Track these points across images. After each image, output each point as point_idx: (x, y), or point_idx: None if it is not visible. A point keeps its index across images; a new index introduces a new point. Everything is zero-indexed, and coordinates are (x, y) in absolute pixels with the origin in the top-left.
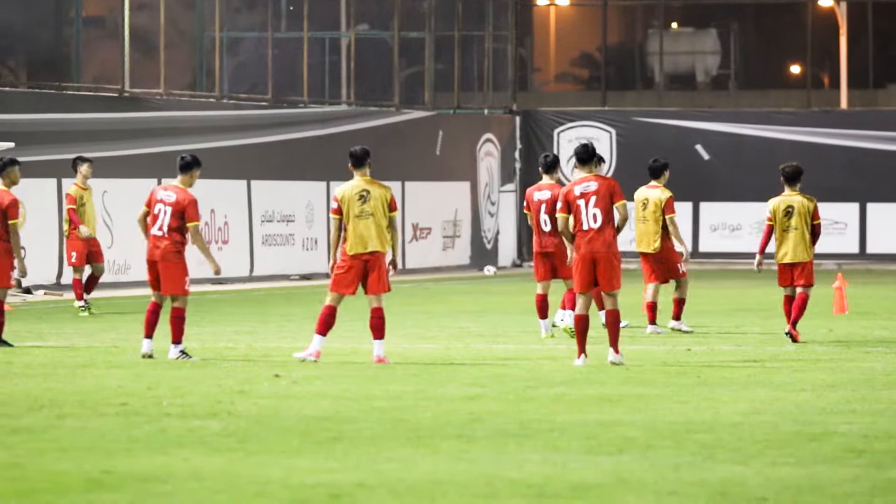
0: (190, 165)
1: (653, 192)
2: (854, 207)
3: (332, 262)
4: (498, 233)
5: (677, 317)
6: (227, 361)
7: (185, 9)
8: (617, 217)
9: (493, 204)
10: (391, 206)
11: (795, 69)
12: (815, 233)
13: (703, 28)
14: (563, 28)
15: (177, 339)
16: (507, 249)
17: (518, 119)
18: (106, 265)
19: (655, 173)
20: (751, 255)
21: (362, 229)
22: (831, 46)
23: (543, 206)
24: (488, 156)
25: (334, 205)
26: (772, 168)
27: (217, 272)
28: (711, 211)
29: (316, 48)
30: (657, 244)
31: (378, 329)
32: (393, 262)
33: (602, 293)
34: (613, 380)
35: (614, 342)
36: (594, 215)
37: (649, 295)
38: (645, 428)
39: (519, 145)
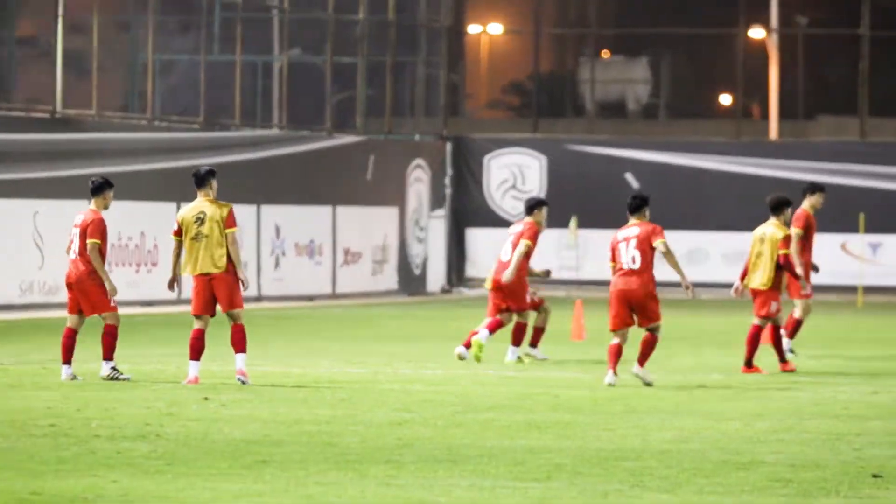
0: (101, 188)
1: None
2: None
3: (168, 283)
4: (426, 259)
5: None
6: (157, 383)
7: (118, 31)
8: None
9: (421, 230)
10: (226, 224)
11: (726, 99)
12: (778, 264)
13: (634, 57)
14: (495, 55)
15: (107, 357)
16: (437, 276)
17: (449, 145)
18: (37, 286)
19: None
20: (676, 284)
21: (194, 251)
22: (762, 77)
23: (511, 238)
24: (418, 181)
25: (175, 226)
26: (701, 197)
27: (112, 294)
28: None
29: (248, 72)
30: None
31: (238, 343)
32: (240, 279)
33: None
34: (542, 406)
35: (643, 359)
36: (633, 257)
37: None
38: (573, 455)
39: (449, 171)
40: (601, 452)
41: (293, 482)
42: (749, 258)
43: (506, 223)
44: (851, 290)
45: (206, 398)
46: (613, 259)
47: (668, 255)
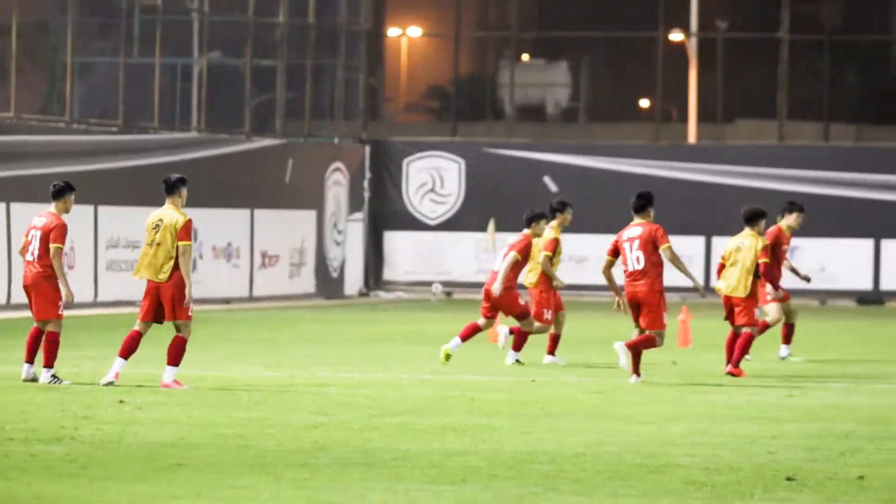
0: (62, 191)
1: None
2: (700, 241)
3: None
4: (344, 262)
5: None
6: (72, 386)
7: (38, 33)
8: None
9: (339, 233)
10: (179, 236)
11: (645, 103)
12: (756, 273)
13: (553, 61)
14: (415, 59)
15: (48, 364)
16: (354, 279)
17: (368, 148)
18: None
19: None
20: (598, 287)
21: (146, 257)
22: (681, 81)
23: (505, 248)
24: (337, 185)
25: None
26: (620, 200)
27: (69, 300)
28: None
29: (167, 74)
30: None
31: (170, 355)
32: (183, 294)
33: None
34: (458, 409)
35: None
36: (637, 258)
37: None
38: (488, 458)
39: (368, 174)
40: (516, 455)
41: (207, 485)
42: (722, 266)
43: (424, 226)
44: None
45: (121, 401)
46: (613, 254)
47: (675, 259)
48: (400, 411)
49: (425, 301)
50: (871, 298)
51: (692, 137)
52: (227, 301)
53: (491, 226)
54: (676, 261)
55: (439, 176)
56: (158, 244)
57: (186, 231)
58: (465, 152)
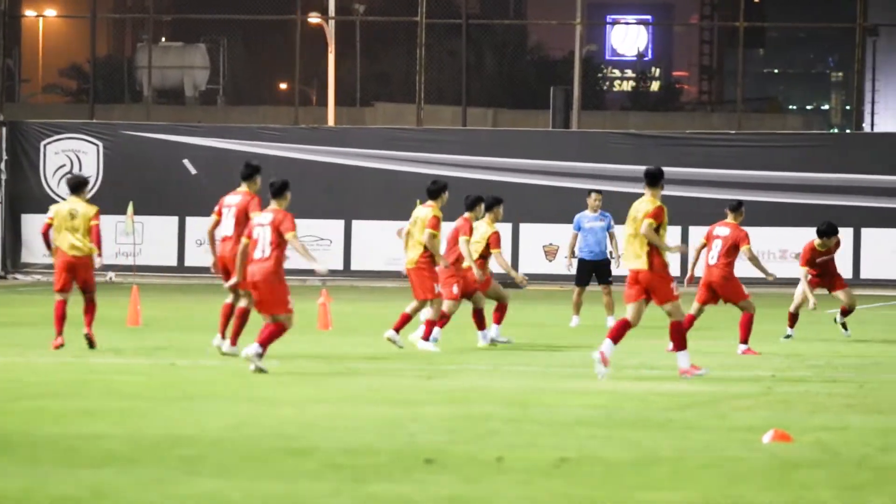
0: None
1: (422, 211)
2: (339, 224)
3: None
4: None
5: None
6: None
7: None
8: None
9: None
10: None
11: (284, 86)
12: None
13: (192, 43)
14: (52, 39)
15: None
16: None
17: (4, 130)
18: None
19: (433, 195)
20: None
21: None
22: (320, 64)
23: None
24: None
25: None
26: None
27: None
28: (196, 226)
29: None
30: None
31: None
32: None
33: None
34: (96, 393)
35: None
36: (267, 241)
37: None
38: (127, 441)
39: (5, 156)
40: (156, 439)
41: None
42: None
43: None
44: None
45: None
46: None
47: (294, 241)
48: (37, 395)
49: None
50: (510, 281)
51: (331, 120)
52: None
53: (130, 209)
54: (295, 241)
55: (77, 158)
56: None
57: None
58: (103, 134)
